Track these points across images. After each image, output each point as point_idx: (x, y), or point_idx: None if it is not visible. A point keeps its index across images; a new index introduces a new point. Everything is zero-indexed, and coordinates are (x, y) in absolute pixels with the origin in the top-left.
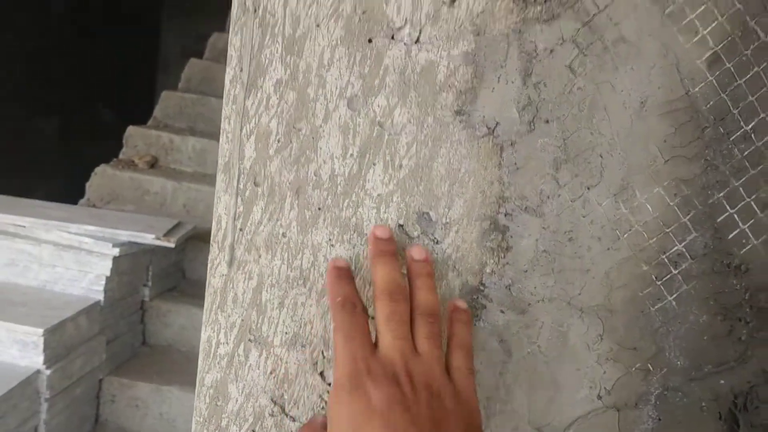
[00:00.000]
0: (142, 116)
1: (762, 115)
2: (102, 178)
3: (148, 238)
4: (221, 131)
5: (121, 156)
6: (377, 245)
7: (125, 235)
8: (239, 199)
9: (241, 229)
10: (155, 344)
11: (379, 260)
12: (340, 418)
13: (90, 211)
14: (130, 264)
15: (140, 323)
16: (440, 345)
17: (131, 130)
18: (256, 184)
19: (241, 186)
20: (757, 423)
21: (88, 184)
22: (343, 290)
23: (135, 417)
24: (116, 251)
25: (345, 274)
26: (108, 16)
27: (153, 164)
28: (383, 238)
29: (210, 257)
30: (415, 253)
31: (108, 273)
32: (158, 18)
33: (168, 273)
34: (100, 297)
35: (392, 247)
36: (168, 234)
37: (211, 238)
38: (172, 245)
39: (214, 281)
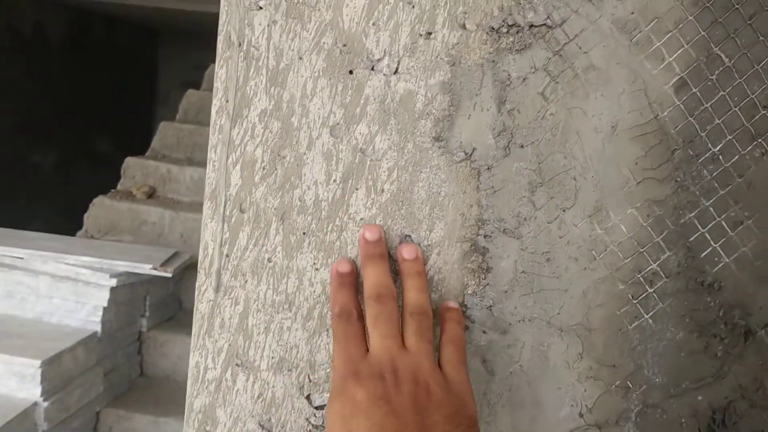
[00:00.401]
0: (140, 147)
1: (729, 137)
2: (100, 209)
3: (146, 269)
4: (208, 160)
5: (119, 187)
6: (366, 248)
7: (122, 266)
8: (225, 225)
9: (227, 255)
10: (153, 375)
11: (368, 263)
12: (333, 422)
13: (87, 242)
14: (128, 295)
15: (137, 354)
16: (430, 340)
17: (129, 161)
18: (241, 211)
19: (227, 213)
20: None
21: (85, 216)
22: (342, 299)
23: None
24: (113, 282)
25: (346, 280)
26: (106, 50)
27: (151, 194)
28: (372, 241)
29: (197, 283)
30: (405, 252)
31: (105, 304)
32: (156, 49)
33: (165, 303)
34: (98, 328)
35: (380, 250)
36: (165, 264)
37: (198, 264)
38: (170, 275)
39: (201, 307)
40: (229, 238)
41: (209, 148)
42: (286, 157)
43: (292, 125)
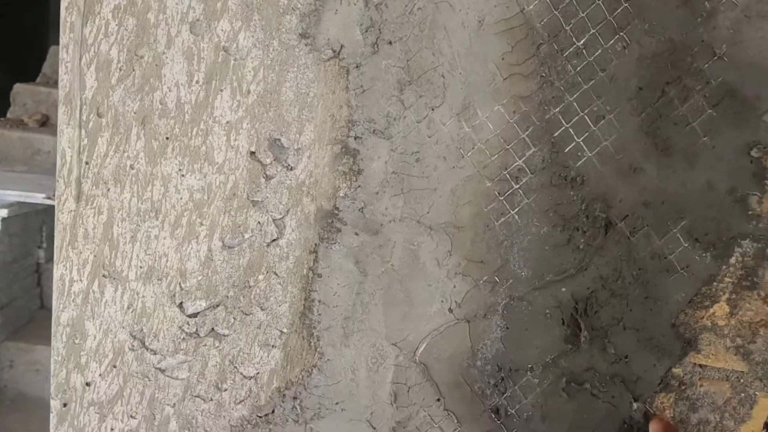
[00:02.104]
0: (33, 74)
1: (592, 31)
2: None
3: (39, 198)
4: (60, 61)
5: (9, 115)
6: None
7: (14, 196)
8: (83, 131)
9: (86, 163)
10: None
11: None
12: None
13: None
14: (21, 225)
15: (36, 286)
16: None
17: (19, 87)
18: (99, 115)
19: (84, 117)
20: (597, 326)
21: None
22: None
23: (36, 381)
24: (4, 212)
25: None
26: None
27: (44, 123)
28: None
29: (56, 193)
30: None
31: None
32: None
33: None
34: None
35: None
36: None
37: (56, 173)
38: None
39: (62, 217)
40: (88, 145)
41: (60, 48)
42: (144, 56)
43: (148, 22)
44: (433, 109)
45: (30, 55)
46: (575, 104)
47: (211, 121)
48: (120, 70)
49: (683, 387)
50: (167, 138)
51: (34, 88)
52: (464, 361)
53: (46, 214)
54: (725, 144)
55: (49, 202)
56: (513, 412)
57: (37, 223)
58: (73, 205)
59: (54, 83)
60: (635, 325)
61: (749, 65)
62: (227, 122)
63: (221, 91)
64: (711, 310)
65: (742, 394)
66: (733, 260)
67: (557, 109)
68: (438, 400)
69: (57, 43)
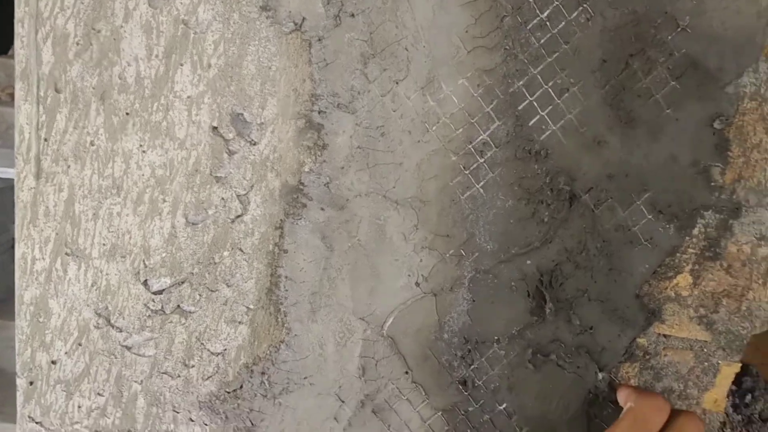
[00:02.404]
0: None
1: (555, 3)
2: None
3: (13, 173)
4: (15, 36)
5: None
6: None
7: None
8: (41, 107)
9: (45, 140)
10: None
11: None
12: None
13: None
14: None
15: (12, 263)
16: None
17: None
18: (57, 91)
19: (42, 93)
20: (562, 298)
21: None
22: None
23: (12, 358)
24: None
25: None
26: None
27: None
28: None
29: (16, 171)
30: None
31: None
32: None
33: None
34: None
35: None
36: None
37: (15, 150)
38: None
39: (22, 195)
40: (47, 121)
41: (15, 22)
42: (102, 30)
43: None
44: (397, 83)
45: (0, 28)
46: (539, 77)
47: (171, 96)
48: (77, 44)
49: (648, 357)
50: (127, 113)
51: (5, 61)
52: (431, 334)
53: None
54: (688, 116)
55: None
56: (480, 383)
57: (11, 199)
58: (33, 183)
59: None
60: (600, 296)
61: (712, 37)
62: (188, 97)
63: (181, 65)
64: (674, 281)
65: (706, 363)
66: (696, 231)
67: (521, 82)
68: (406, 372)
69: None
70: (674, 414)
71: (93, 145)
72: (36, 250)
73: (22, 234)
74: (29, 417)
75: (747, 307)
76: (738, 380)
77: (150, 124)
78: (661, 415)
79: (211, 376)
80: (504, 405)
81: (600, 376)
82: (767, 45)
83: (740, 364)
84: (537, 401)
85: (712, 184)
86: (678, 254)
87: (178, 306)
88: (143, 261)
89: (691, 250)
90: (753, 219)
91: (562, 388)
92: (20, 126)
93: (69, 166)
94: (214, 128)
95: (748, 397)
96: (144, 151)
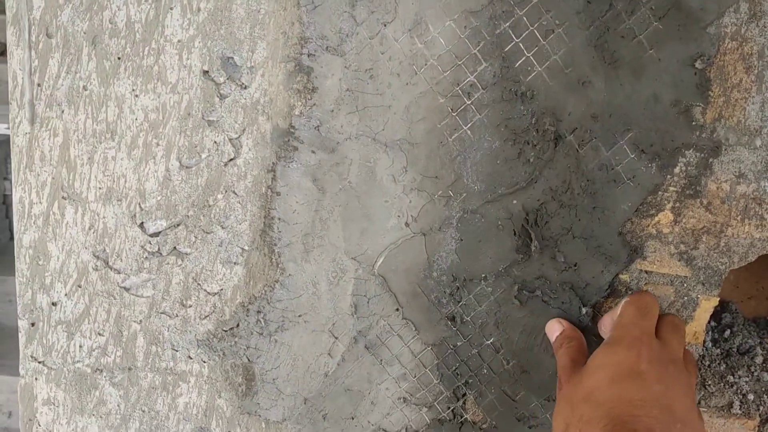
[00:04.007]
0: None
1: None
2: None
3: (2, 128)
4: None
5: None
6: None
7: None
8: (33, 52)
9: (39, 85)
10: None
11: None
12: None
13: None
14: None
15: (5, 218)
16: None
17: None
18: (48, 36)
19: (34, 38)
20: (547, 236)
21: None
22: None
23: (10, 312)
24: None
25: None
26: None
27: (3, 51)
28: None
29: (10, 116)
30: None
31: None
32: None
33: None
34: None
35: None
36: None
37: (9, 95)
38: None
39: (18, 140)
40: (39, 66)
41: None
42: None
43: None
44: (385, 25)
45: None
46: (525, 18)
47: (162, 40)
48: None
49: (630, 292)
50: (119, 58)
51: None
52: (421, 273)
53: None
54: (670, 56)
55: None
56: (468, 319)
57: (2, 154)
58: (28, 128)
59: None
60: (584, 234)
61: None
62: (179, 41)
63: (171, 9)
64: (656, 219)
65: (685, 298)
66: (677, 170)
67: (507, 24)
68: (397, 310)
69: None
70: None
71: (86, 89)
72: (33, 194)
73: (18, 178)
74: (32, 357)
75: (725, 243)
76: (718, 317)
77: (142, 68)
78: (655, 304)
79: (208, 315)
80: (491, 340)
81: (584, 311)
82: None
83: (718, 299)
84: (523, 336)
85: (693, 123)
86: (660, 192)
87: (175, 248)
88: (139, 204)
89: (672, 189)
90: (732, 157)
91: (548, 323)
92: (13, 72)
93: (63, 111)
94: (205, 72)
95: (727, 332)
96: (137, 96)
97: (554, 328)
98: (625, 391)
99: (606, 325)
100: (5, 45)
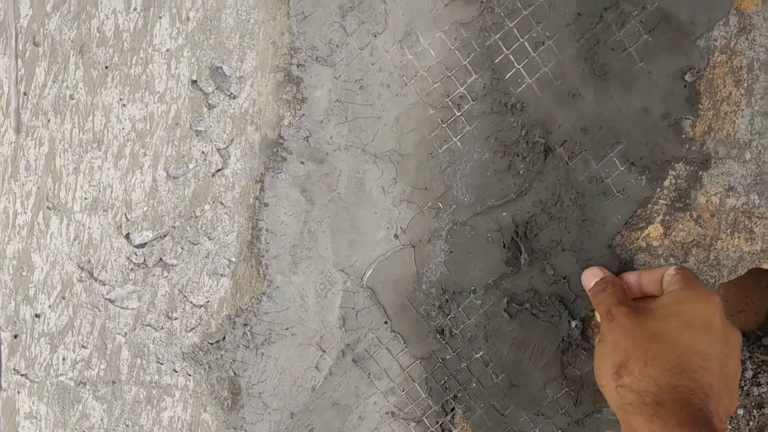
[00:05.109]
0: None
1: None
2: None
3: None
4: None
5: None
6: None
7: None
8: (19, 61)
9: (25, 93)
10: None
11: None
12: None
13: None
14: None
15: None
16: None
17: None
18: (35, 44)
19: (20, 47)
20: (536, 248)
21: None
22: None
23: None
24: None
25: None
26: None
27: None
28: None
29: None
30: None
31: None
32: None
33: None
34: None
35: None
36: None
37: None
38: None
39: (2, 149)
40: (26, 75)
41: None
42: None
43: None
44: (375, 36)
45: None
46: (515, 30)
47: (150, 49)
48: None
49: None
50: (106, 67)
51: None
52: (410, 285)
53: None
54: (660, 69)
55: None
56: (457, 332)
57: None
58: (13, 137)
59: None
60: (573, 246)
61: None
62: (167, 50)
63: (160, 18)
64: (646, 232)
65: None
66: (667, 183)
67: (497, 36)
68: (385, 322)
69: None
70: None
71: (73, 98)
72: (17, 203)
73: (2, 188)
74: (14, 370)
75: (715, 256)
76: None
77: (129, 77)
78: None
79: (194, 328)
80: (480, 353)
81: (573, 324)
82: None
83: None
84: (512, 349)
85: (683, 136)
86: (649, 205)
87: (161, 259)
88: (125, 215)
89: (662, 201)
90: (722, 170)
91: (537, 336)
92: None
93: (49, 120)
94: (194, 82)
95: None
96: (124, 105)
97: (594, 274)
98: (696, 341)
99: (630, 284)
100: None
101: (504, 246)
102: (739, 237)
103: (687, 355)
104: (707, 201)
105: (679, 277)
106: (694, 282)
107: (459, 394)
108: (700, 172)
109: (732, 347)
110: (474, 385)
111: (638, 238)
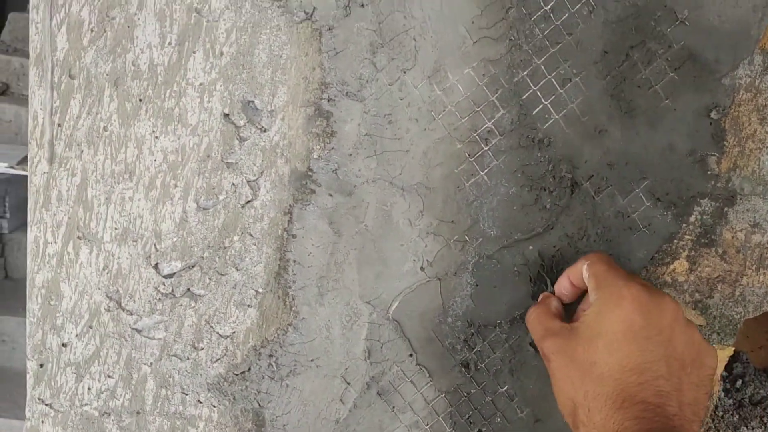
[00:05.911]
0: None
1: None
2: None
3: (1, 167)
4: (30, 22)
5: None
6: None
7: None
8: (55, 93)
9: (59, 125)
10: (19, 278)
11: None
12: None
13: None
14: None
15: (0, 257)
16: None
17: None
18: (71, 77)
19: (56, 79)
20: None
21: None
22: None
23: (3, 352)
24: None
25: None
26: None
27: (3, 91)
28: None
29: (29, 155)
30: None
31: None
32: None
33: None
34: None
35: None
36: (23, 162)
37: (29, 135)
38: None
39: (35, 180)
40: (60, 107)
41: (30, 9)
42: (116, 18)
43: None
44: (404, 72)
45: None
46: (543, 67)
47: (184, 83)
48: (92, 31)
49: None
50: (140, 100)
51: None
52: (436, 318)
53: (9, 183)
54: (686, 106)
55: (12, 171)
56: (482, 366)
57: (0, 193)
58: (47, 167)
59: (13, 51)
60: None
61: (709, 29)
62: (200, 84)
63: (194, 53)
64: (671, 267)
65: None
66: (692, 218)
67: (525, 72)
68: (410, 355)
69: (16, 9)
70: None
71: (106, 130)
72: (48, 233)
73: (34, 218)
74: (39, 399)
75: (740, 292)
76: (729, 367)
77: (163, 110)
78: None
79: (219, 359)
80: (505, 387)
81: None
82: (762, 38)
83: (733, 348)
84: (537, 384)
85: (709, 172)
86: (675, 241)
87: (188, 289)
88: (154, 245)
89: (687, 237)
90: (747, 207)
91: None
92: (34, 111)
93: (82, 151)
94: (226, 115)
95: (739, 382)
96: (156, 137)
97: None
98: (626, 357)
99: (565, 287)
100: (6, 85)
101: (530, 280)
102: (764, 273)
103: (623, 379)
104: (733, 237)
105: (592, 280)
106: (604, 280)
107: (483, 429)
108: (726, 209)
109: (668, 321)
110: (499, 419)
111: (664, 273)
